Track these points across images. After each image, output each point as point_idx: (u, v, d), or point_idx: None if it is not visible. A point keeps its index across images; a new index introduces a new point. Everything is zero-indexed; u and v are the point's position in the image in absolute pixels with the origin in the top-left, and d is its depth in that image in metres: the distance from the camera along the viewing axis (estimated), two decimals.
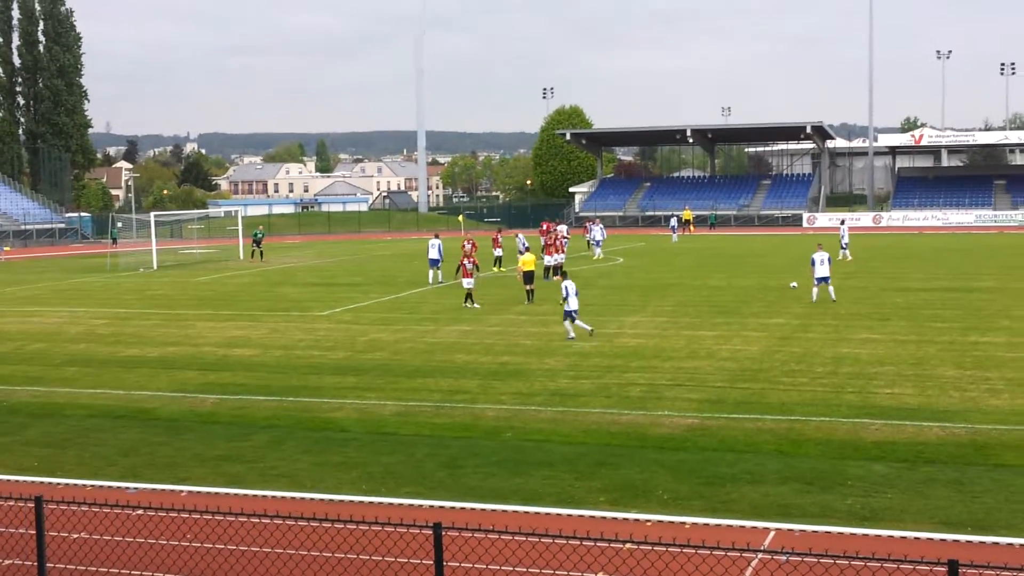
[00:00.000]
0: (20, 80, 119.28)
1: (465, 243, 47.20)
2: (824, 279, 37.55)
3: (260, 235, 68.00)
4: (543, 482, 16.14)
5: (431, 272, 48.27)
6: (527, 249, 46.68)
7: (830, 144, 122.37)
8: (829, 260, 38.01)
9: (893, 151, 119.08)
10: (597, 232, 65.21)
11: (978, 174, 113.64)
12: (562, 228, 61.95)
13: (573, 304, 29.88)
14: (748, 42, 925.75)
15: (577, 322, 29.93)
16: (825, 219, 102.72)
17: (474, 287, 38.82)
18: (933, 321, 32.51)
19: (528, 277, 39.90)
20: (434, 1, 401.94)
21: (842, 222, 66.90)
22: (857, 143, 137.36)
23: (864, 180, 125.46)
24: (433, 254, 48.15)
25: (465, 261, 39.32)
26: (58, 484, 16.49)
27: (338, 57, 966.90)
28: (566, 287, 30.16)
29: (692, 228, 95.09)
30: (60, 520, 12.93)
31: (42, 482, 16.57)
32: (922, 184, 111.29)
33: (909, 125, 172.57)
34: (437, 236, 49.90)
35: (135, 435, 19.76)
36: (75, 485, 16.41)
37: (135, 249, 69.50)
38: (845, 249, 58.49)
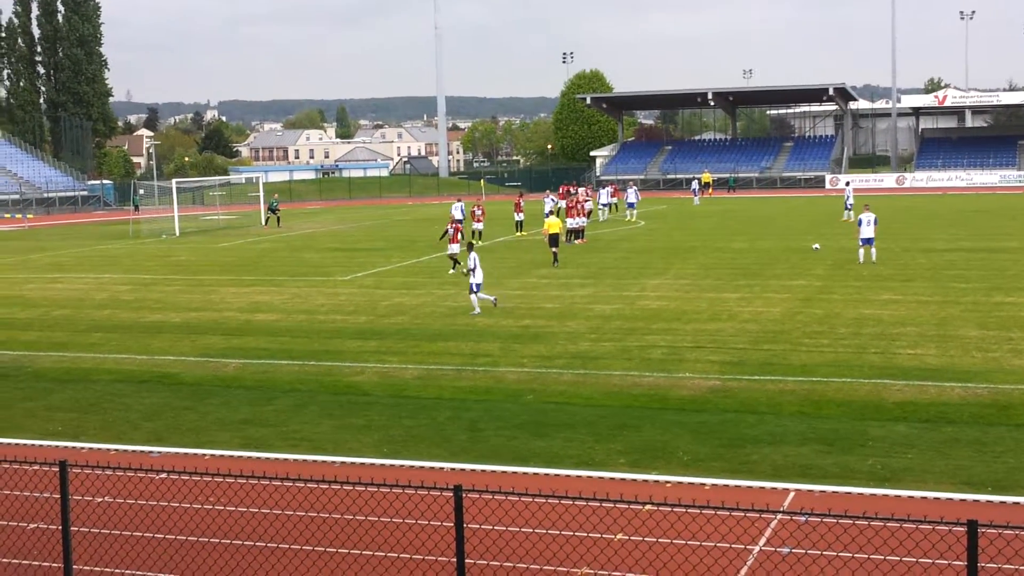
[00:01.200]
0: (40, 50, 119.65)
1: (475, 208, 48.97)
2: (869, 240, 37.32)
3: (275, 203, 68.86)
4: (564, 444, 16.18)
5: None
6: (552, 213, 46.77)
7: (852, 106, 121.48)
8: (876, 221, 37.77)
9: (916, 112, 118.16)
10: (631, 195, 65.47)
11: (1002, 135, 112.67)
12: (581, 191, 62.17)
13: (479, 276, 28.55)
14: (770, 4, 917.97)
15: (481, 295, 28.84)
16: (846, 181, 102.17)
17: (458, 254, 38.32)
18: (956, 282, 32.34)
19: (553, 240, 39.85)
20: None
21: (847, 184, 66.96)
22: (880, 104, 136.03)
23: (887, 141, 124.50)
24: (456, 215, 51.32)
25: (449, 227, 38.62)
26: (82, 448, 16.62)
27: (357, 23, 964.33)
28: (473, 258, 28.62)
29: (711, 191, 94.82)
30: (84, 484, 13.06)
31: (67, 447, 16.71)
32: (946, 145, 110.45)
33: (932, 86, 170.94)
34: (460, 200, 53.87)
35: (159, 399, 19.90)
36: (99, 449, 16.53)
37: (157, 216, 69.78)
38: (849, 210, 58.73)
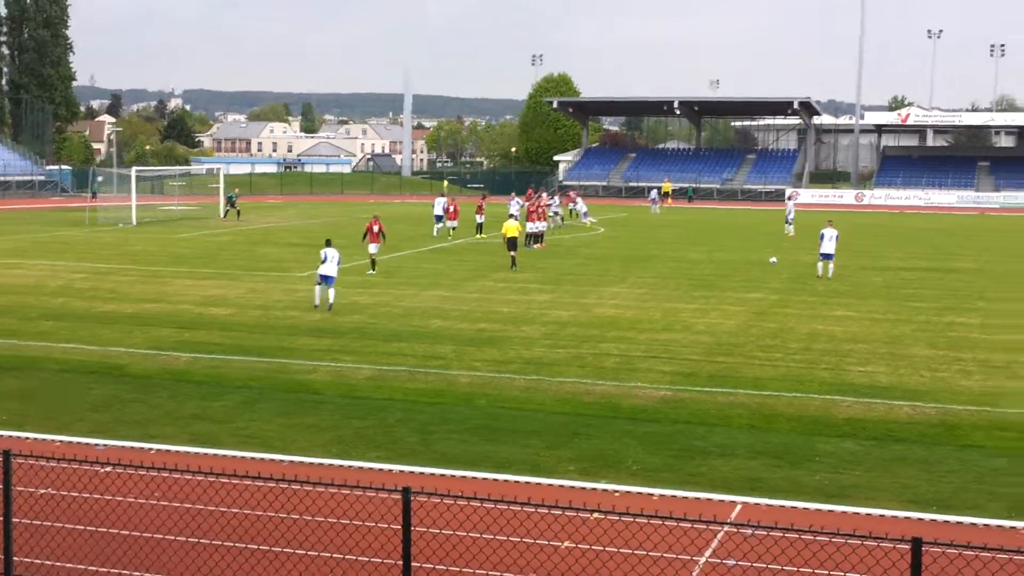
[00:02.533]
0: (5, 30, 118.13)
1: (450, 205, 54.76)
2: (829, 256, 37.68)
3: (234, 197, 69.03)
4: (515, 450, 16.17)
5: (436, 226, 55.37)
6: (513, 216, 46.90)
7: (817, 120, 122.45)
8: (837, 238, 38.14)
9: (879, 129, 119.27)
10: (581, 205, 67.16)
11: (962, 155, 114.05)
12: (545, 196, 62.49)
13: (332, 270, 29.16)
14: (740, 14, 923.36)
15: (332, 291, 29.23)
16: (808, 195, 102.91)
17: (378, 254, 38.44)
18: (910, 300, 32.65)
19: (511, 244, 39.86)
20: None
21: (788, 198, 67.75)
22: (844, 120, 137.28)
23: (849, 157, 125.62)
24: (438, 210, 55.82)
25: (374, 226, 38.32)
26: (27, 438, 16.41)
27: (327, 16, 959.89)
28: (325, 253, 29.26)
29: (671, 200, 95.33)
30: (28, 475, 12.90)
31: (10, 436, 16.50)
32: (906, 163, 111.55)
33: (897, 104, 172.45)
34: (443, 195, 59.05)
35: (107, 391, 19.69)
36: (44, 440, 16.34)
37: (115, 204, 69.13)
38: (789, 224, 59.70)
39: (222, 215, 68.51)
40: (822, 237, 38.14)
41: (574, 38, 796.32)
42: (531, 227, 48.77)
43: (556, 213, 65.16)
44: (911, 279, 38.54)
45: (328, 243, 29.93)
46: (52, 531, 12.02)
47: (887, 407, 19.01)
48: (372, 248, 37.96)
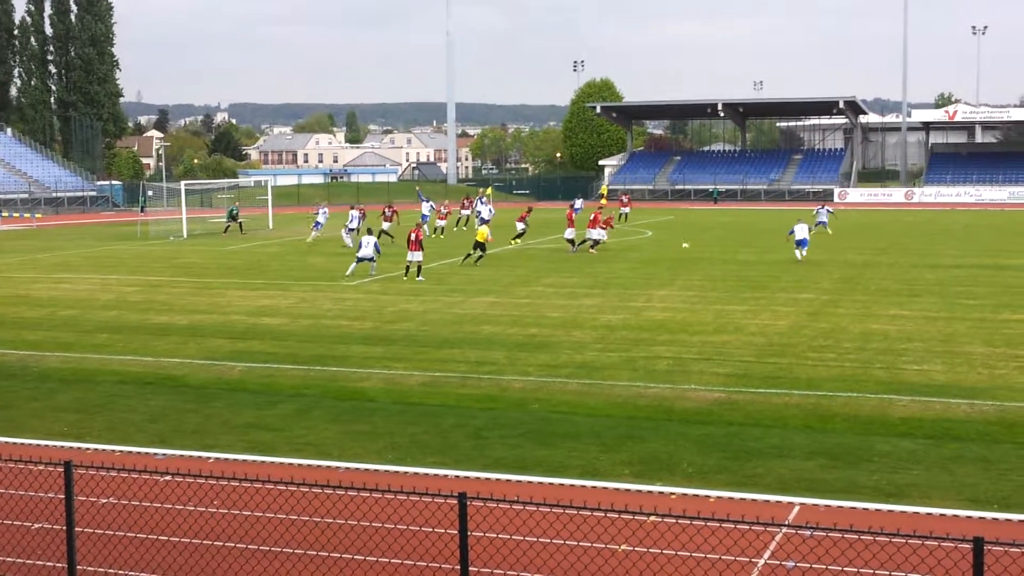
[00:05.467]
0: (52, 49, 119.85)
1: (440, 207, 59.64)
2: (802, 242, 43.67)
3: (236, 210, 66.03)
4: (568, 454, 16.16)
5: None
6: (487, 222, 49.73)
7: (863, 119, 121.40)
8: (810, 230, 45.61)
9: (927, 127, 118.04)
10: (485, 212, 61.19)
11: (1012, 151, 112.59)
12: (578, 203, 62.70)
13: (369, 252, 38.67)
14: (782, 15, 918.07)
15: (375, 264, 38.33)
16: (857, 194, 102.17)
17: (422, 261, 38.93)
18: (964, 298, 32.29)
19: (478, 245, 42.98)
20: None
21: (822, 206, 65.44)
22: (890, 118, 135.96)
23: (897, 155, 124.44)
24: (485, 214, 58.67)
25: (412, 235, 38.91)
26: (87, 449, 16.62)
27: (368, 27, 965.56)
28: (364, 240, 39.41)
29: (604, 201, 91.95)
30: (89, 485, 13.07)
31: (72, 447, 16.72)
32: (955, 160, 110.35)
33: (943, 101, 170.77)
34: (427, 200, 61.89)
35: (164, 402, 19.91)
36: (104, 451, 16.54)
37: (165, 217, 69.80)
38: (822, 225, 59.34)
39: (224, 231, 64.20)
40: (792, 231, 44.19)
41: (614, 42, 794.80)
42: (591, 233, 48.55)
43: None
44: (964, 276, 38.12)
45: (369, 231, 37.36)
46: (114, 540, 12.17)
47: (944, 405, 18.82)
48: (414, 256, 38.52)
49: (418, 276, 38.15)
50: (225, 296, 34.70)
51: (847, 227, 59.81)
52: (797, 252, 43.57)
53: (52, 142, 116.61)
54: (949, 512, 13.25)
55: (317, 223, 58.33)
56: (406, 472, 15.25)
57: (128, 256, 50.41)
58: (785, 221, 70.63)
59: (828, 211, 61.20)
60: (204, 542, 12.27)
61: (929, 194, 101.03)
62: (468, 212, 66.93)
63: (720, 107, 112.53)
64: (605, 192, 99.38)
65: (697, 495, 14.17)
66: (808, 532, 11.73)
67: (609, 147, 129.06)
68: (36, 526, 12.92)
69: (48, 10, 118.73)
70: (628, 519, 11.34)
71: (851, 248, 49.02)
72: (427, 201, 65.14)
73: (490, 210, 61.30)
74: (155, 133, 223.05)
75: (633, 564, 11.36)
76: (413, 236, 38.76)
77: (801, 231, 44.15)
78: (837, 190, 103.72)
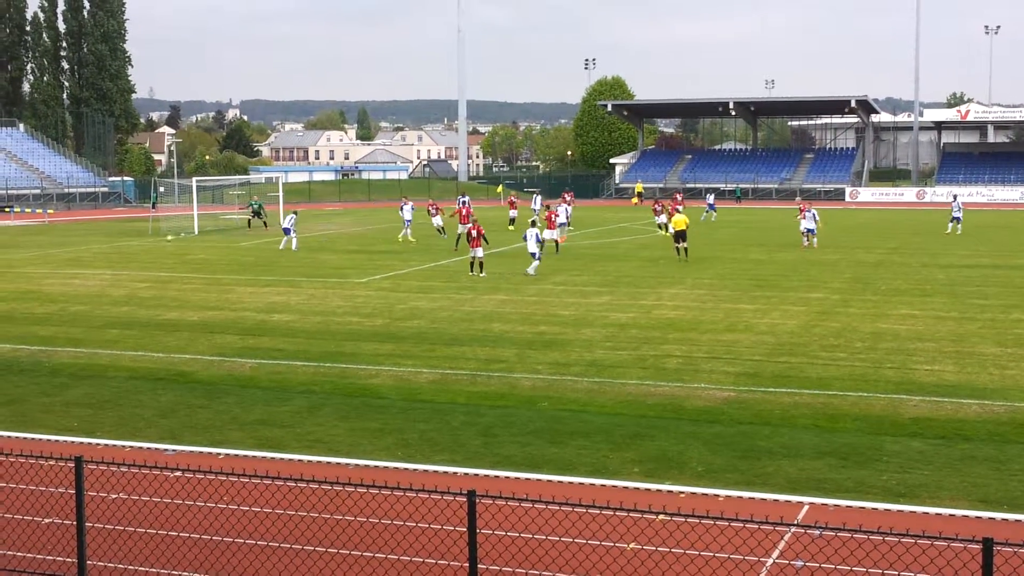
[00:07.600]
0: (65, 45, 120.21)
1: (430, 207, 58.25)
2: (811, 230, 49.36)
3: (259, 204, 67.50)
4: (578, 452, 16.16)
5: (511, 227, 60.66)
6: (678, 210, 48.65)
7: (875, 118, 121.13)
8: (816, 217, 50.30)
9: (939, 126, 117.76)
10: (563, 214, 55.35)
11: None
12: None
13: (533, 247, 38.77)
14: (793, 14, 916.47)
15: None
16: (868, 194, 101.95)
17: (483, 257, 39.31)
18: (975, 298, 32.20)
19: (680, 236, 44.19)
20: None
21: (955, 197, 67.21)
22: (902, 117, 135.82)
23: (908, 155, 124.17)
24: (512, 213, 63.18)
25: (473, 231, 39.35)
26: (98, 445, 16.69)
27: (380, 25, 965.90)
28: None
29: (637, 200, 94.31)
30: (99, 480, 13.10)
31: (82, 442, 16.78)
32: (967, 160, 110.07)
33: (955, 100, 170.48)
34: (409, 201, 58.51)
35: (174, 397, 19.96)
36: (114, 446, 16.60)
37: (176, 213, 69.95)
38: (955, 222, 60.05)
39: (247, 225, 65.69)
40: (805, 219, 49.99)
41: (625, 40, 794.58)
42: (548, 234, 47.39)
43: (564, 223, 55.05)
44: (975, 277, 38.02)
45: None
46: (124, 535, 12.21)
47: (955, 406, 18.77)
48: (476, 252, 38.89)
49: (480, 272, 38.18)
50: (235, 292, 34.77)
51: (858, 226, 59.72)
52: (804, 239, 49.02)
53: (64, 138, 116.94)
54: (959, 513, 13.21)
55: (407, 220, 55.58)
56: (415, 469, 15.28)
57: (139, 252, 50.53)
58: (795, 220, 70.58)
59: (814, 216, 51.05)
60: (214, 538, 12.30)
61: (941, 194, 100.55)
62: (515, 213, 64.90)
63: (731, 106, 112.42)
64: (640, 190, 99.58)
65: (706, 494, 14.16)
66: (817, 532, 11.72)
67: (620, 145, 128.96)
68: (47, 521, 12.96)
69: (61, 6, 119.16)
70: (637, 517, 11.33)
71: (862, 247, 48.94)
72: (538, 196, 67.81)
73: (567, 210, 57.62)
74: (167, 129, 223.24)
75: (642, 563, 11.36)
76: (475, 232, 38.85)
77: (808, 221, 49.35)
78: (848, 189, 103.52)
